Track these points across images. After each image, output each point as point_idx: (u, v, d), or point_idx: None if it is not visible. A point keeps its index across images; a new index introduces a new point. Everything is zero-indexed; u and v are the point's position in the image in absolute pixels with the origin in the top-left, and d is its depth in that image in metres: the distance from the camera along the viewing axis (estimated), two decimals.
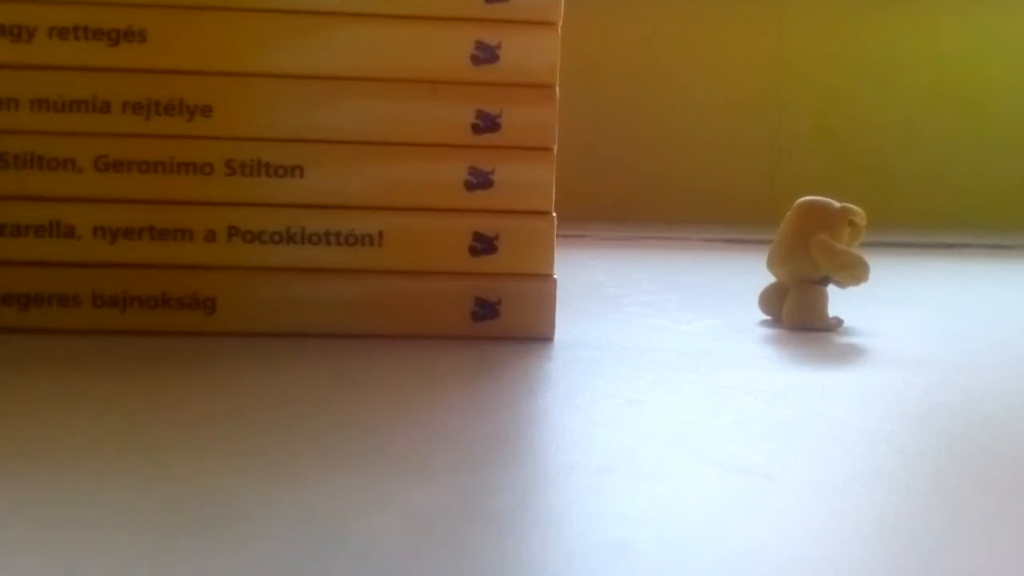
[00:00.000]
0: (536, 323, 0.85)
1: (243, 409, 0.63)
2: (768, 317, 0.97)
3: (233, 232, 0.82)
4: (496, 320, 0.85)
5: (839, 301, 1.07)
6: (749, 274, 1.25)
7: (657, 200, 1.71)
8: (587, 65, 1.70)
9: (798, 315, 0.94)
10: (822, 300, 0.94)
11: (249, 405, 0.64)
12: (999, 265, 1.40)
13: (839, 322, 0.94)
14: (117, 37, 0.81)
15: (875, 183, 1.71)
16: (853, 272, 0.93)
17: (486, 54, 0.83)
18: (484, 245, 0.84)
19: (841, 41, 1.71)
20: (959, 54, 1.72)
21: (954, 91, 1.71)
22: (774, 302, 0.96)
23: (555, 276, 0.85)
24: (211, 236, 0.82)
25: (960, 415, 0.68)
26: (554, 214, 0.84)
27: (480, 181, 0.83)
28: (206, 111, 0.81)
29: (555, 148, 0.83)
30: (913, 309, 1.06)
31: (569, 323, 0.92)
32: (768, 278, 1.01)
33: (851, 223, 0.94)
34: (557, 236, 1.39)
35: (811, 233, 0.93)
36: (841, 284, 0.93)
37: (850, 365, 0.81)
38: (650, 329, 0.93)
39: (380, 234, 0.83)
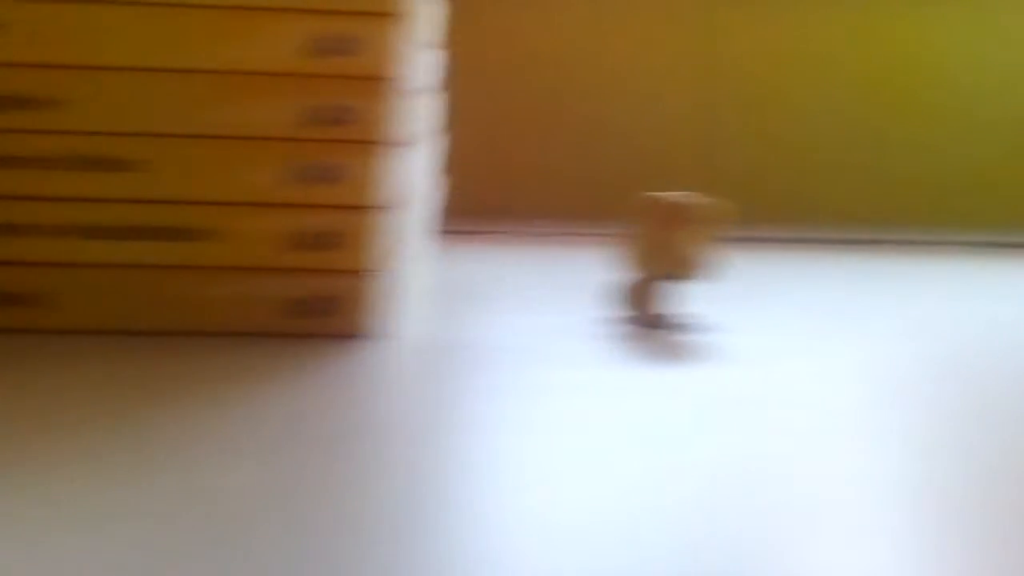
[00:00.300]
0: (367, 320, 0.84)
1: (43, 408, 0.62)
2: (628, 313, 0.96)
3: (76, 228, 0.81)
4: (325, 317, 0.84)
5: (718, 299, 1.07)
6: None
7: (583, 197, 1.70)
8: (508, 62, 1.69)
9: (637, 309, 0.93)
10: (658, 294, 0.93)
11: (44, 404, 0.63)
12: (917, 262, 1.39)
13: (673, 319, 0.93)
14: None
15: (807, 179, 1.70)
16: (689, 269, 0.92)
17: (327, 46, 0.82)
18: (316, 241, 0.83)
19: (775, 37, 1.70)
20: (894, 53, 1.71)
21: (888, 89, 1.71)
22: (633, 298, 0.95)
23: (395, 272, 0.84)
24: (53, 232, 0.81)
25: (768, 409, 0.68)
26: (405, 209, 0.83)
27: (316, 176, 0.82)
28: (53, 105, 0.81)
29: (406, 142, 0.82)
30: (793, 305, 1.06)
31: (421, 320, 0.91)
32: (630, 275, 1.00)
33: (703, 219, 0.93)
34: (453, 232, 1.38)
35: (660, 229, 0.92)
36: (681, 280, 0.92)
37: (683, 361, 0.81)
38: (502, 326, 0.92)
39: (214, 229, 0.82)
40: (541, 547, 0.46)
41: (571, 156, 1.70)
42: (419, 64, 1.05)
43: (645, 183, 1.70)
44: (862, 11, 1.74)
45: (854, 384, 0.77)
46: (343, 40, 0.82)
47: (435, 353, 0.80)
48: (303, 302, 0.83)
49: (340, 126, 0.82)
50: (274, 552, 0.44)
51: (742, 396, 0.73)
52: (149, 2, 0.81)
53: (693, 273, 0.92)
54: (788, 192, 1.71)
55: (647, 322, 0.94)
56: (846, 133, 1.74)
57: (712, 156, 1.72)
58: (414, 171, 0.94)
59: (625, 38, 1.73)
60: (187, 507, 0.48)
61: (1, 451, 0.56)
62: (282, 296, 0.84)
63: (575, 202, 1.71)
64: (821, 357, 0.85)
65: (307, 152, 0.83)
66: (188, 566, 0.42)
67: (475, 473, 0.56)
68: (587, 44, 1.72)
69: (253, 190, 0.83)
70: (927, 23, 1.75)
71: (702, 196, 0.94)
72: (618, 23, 1.73)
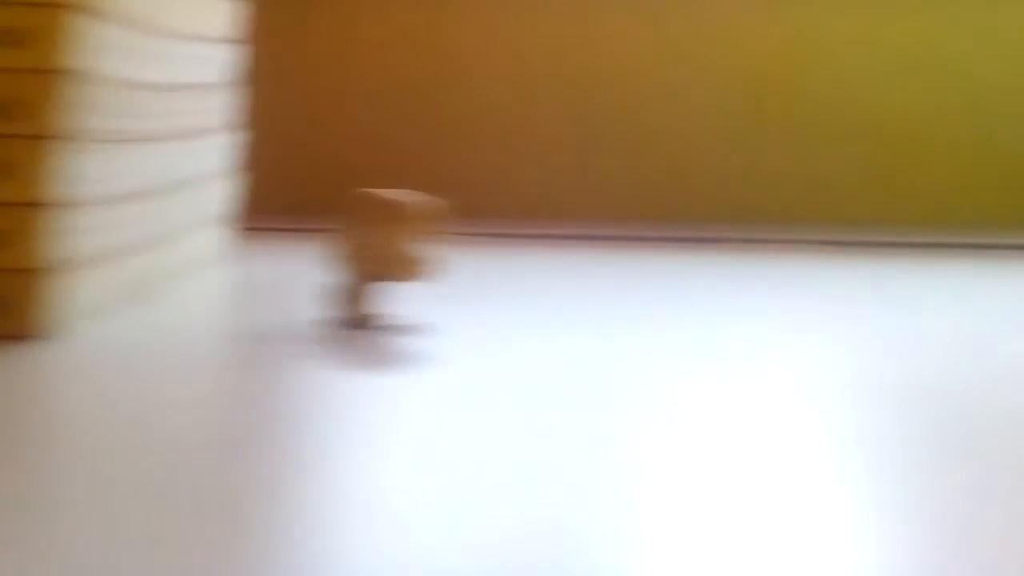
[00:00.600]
0: (38, 322, 0.81)
1: None
2: (340, 314, 0.92)
3: None
4: None
5: (434, 300, 1.04)
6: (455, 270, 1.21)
7: (453, 195, 1.68)
8: (313, 60, 1.66)
9: (341, 310, 0.91)
10: (364, 295, 0.90)
11: None
12: (739, 262, 1.36)
13: (386, 320, 0.90)
14: None
15: (674, 177, 1.69)
16: (385, 268, 0.90)
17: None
18: None
19: (633, 38, 1.69)
20: (747, 52, 1.69)
21: (745, 89, 1.69)
22: (345, 299, 0.91)
23: (71, 270, 0.81)
24: None
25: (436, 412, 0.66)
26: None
27: None
28: None
29: (74, 134, 0.79)
30: (524, 303, 1.03)
31: (109, 321, 0.87)
32: (343, 275, 0.95)
33: (414, 217, 0.90)
34: (254, 229, 1.34)
35: (367, 228, 0.90)
36: (393, 280, 0.90)
37: (383, 364, 0.79)
38: (213, 327, 0.89)
39: None
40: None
41: (378, 153, 1.67)
42: (181, 58, 1.03)
43: (442, 178, 1.67)
44: (721, 11, 1.72)
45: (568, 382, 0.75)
46: (11, 32, 0.79)
47: (105, 356, 0.77)
48: None
49: (8, 120, 0.80)
50: None
51: (449, 397, 0.71)
52: None
53: (405, 273, 0.89)
54: (659, 191, 1.70)
55: (358, 323, 0.91)
56: (704, 130, 1.72)
57: (590, 154, 1.70)
58: (111, 167, 0.91)
59: (432, 38, 1.70)
60: None
61: None
62: None
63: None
64: (531, 355, 0.82)
65: None
66: None
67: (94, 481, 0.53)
68: (391, 44, 1.69)
69: None
70: (782, 27, 1.72)
71: (416, 193, 0.91)
72: (426, 20, 1.70)
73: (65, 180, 0.81)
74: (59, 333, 0.83)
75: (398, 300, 1.02)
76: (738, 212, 1.71)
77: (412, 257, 0.88)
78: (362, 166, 1.68)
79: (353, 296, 0.91)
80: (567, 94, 1.71)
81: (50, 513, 0.49)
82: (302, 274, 1.15)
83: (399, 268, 0.88)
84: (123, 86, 0.89)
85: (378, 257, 0.89)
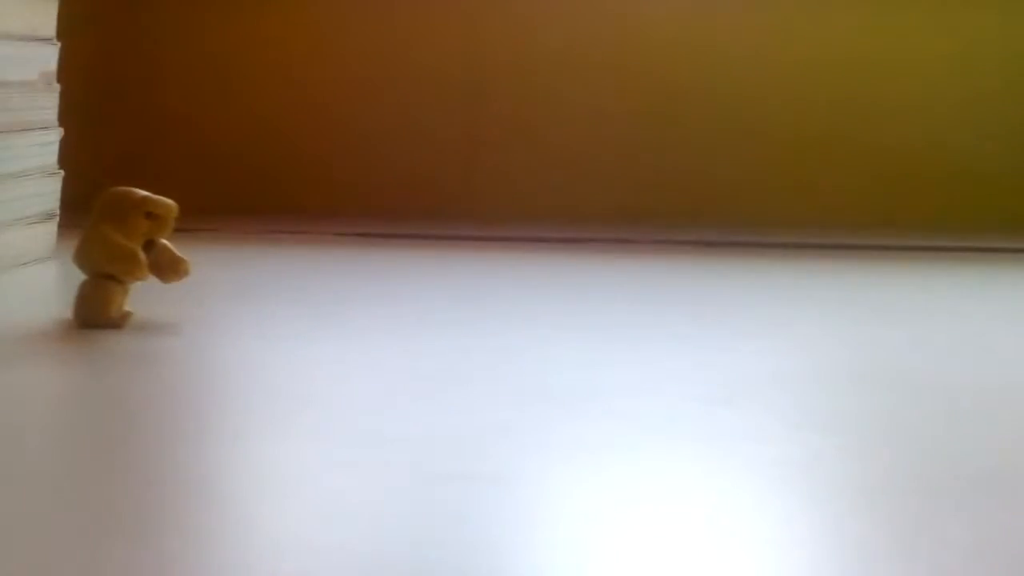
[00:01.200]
0: None
1: None
2: (77, 313, 0.90)
3: None
4: None
5: (172, 300, 1.00)
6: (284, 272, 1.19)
7: (348, 194, 1.67)
8: (124, 56, 1.65)
9: (80, 311, 0.89)
10: (104, 295, 0.89)
11: None
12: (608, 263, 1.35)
13: (125, 317, 0.89)
14: None
15: (569, 177, 1.68)
16: (123, 266, 0.89)
17: None
18: None
19: (539, 34, 1.68)
20: (652, 53, 1.69)
21: (647, 89, 1.69)
22: (82, 297, 0.90)
23: None
24: None
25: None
26: None
27: None
28: None
29: None
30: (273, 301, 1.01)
31: None
32: (82, 272, 0.93)
33: (152, 215, 0.90)
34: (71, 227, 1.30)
35: (101, 224, 0.89)
36: (128, 278, 0.88)
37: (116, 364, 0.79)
38: None
39: None
40: None
41: (189, 151, 1.66)
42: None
43: (250, 178, 1.66)
44: (626, 10, 1.71)
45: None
46: None
47: None
48: None
49: None
50: None
51: (177, 397, 0.70)
52: None
53: (112, 270, 0.88)
54: (555, 191, 1.69)
55: (92, 322, 0.89)
56: (607, 131, 1.71)
57: (481, 153, 1.70)
58: None
59: (249, 30, 1.68)
60: None
61: None
62: None
63: (195, 197, 1.67)
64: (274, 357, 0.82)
65: None
66: None
67: None
68: (202, 38, 1.68)
69: None
70: (691, 29, 1.72)
71: (153, 194, 0.90)
72: (249, 18, 1.69)
73: None
74: None
75: (139, 299, 0.99)
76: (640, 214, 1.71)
77: (126, 255, 0.87)
78: (185, 165, 1.66)
79: (94, 296, 0.90)
80: (451, 91, 1.71)
81: None
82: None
83: (113, 265, 0.88)
84: None
85: (111, 254, 0.88)
